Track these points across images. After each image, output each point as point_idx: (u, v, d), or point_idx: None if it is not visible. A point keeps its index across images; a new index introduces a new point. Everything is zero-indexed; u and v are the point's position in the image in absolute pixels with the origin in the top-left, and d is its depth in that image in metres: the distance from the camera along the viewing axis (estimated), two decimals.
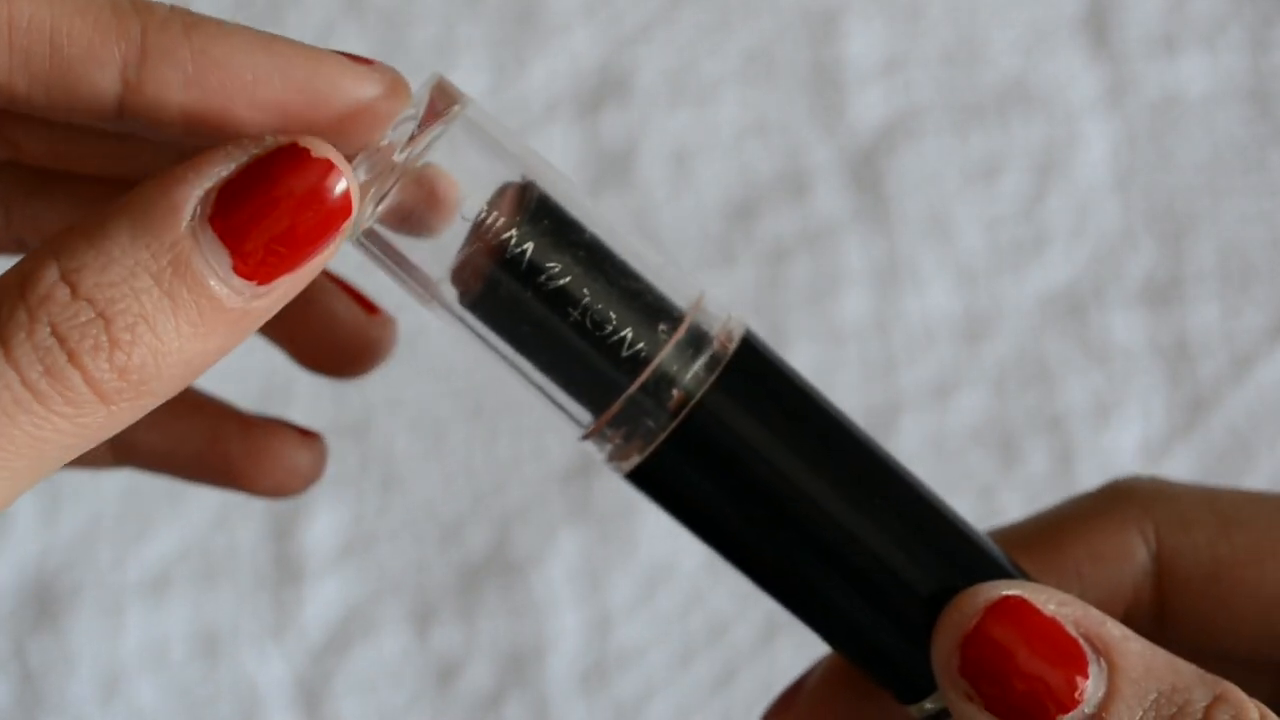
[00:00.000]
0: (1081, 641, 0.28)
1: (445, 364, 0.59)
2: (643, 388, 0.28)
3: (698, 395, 0.29)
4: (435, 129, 0.28)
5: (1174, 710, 0.28)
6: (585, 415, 0.29)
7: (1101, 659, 0.28)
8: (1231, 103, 0.63)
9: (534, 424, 0.59)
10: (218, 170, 0.26)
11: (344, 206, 0.27)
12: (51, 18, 0.28)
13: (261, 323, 0.27)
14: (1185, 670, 0.28)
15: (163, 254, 0.26)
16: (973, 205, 0.62)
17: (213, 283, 0.26)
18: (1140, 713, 0.28)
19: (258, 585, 0.57)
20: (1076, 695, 0.28)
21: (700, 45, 0.64)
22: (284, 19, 0.64)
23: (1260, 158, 0.62)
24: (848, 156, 0.62)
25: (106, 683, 0.57)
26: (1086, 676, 0.28)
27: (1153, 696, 0.28)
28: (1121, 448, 0.59)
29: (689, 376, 0.29)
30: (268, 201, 0.26)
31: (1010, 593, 0.29)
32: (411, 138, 0.29)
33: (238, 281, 0.26)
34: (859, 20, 0.64)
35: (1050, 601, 0.29)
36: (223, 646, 0.57)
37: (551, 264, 0.28)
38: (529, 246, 0.28)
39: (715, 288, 0.61)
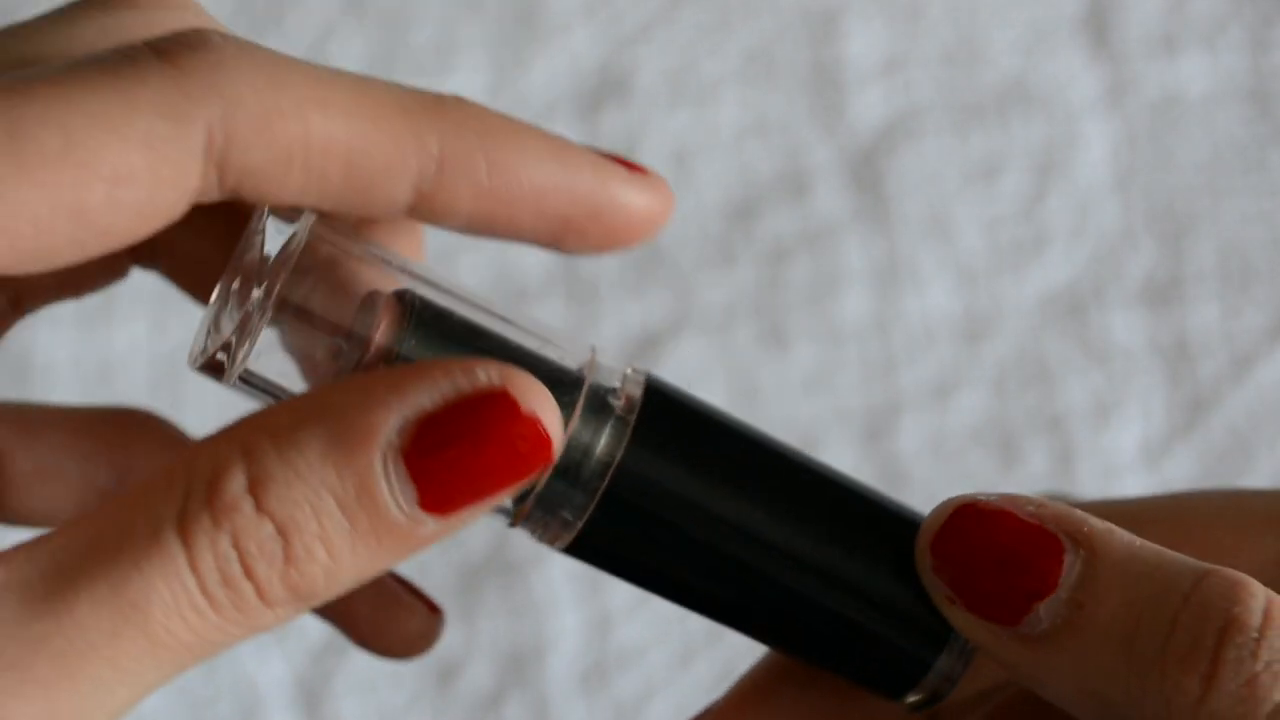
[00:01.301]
0: (1060, 535, 0.28)
1: None
2: (558, 469, 0.28)
3: (616, 460, 0.28)
4: (285, 253, 0.27)
5: (1158, 586, 0.27)
6: (506, 504, 0.29)
7: (1080, 548, 0.28)
8: (1231, 103, 0.63)
9: None
10: (421, 399, 0.26)
11: (542, 457, 0.26)
12: (348, 136, 0.27)
13: (425, 547, 0.27)
14: (1172, 555, 0.28)
15: (350, 479, 0.26)
16: (973, 205, 0.62)
17: (394, 513, 0.26)
18: (1120, 593, 0.27)
19: None
20: (1052, 579, 0.27)
21: (700, 45, 0.64)
22: (284, 19, 0.64)
23: (1260, 158, 0.62)
24: (848, 156, 0.62)
25: None
26: (1061, 563, 0.27)
27: (1134, 576, 0.27)
28: (1121, 448, 0.59)
29: (602, 444, 0.28)
30: (466, 449, 0.26)
31: (973, 498, 0.29)
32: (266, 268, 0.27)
33: (420, 514, 0.26)
34: (859, 20, 0.64)
35: (1029, 504, 0.28)
36: None
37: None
38: (413, 354, 0.27)
39: (715, 288, 0.61)
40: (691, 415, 0.30)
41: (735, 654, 0.57)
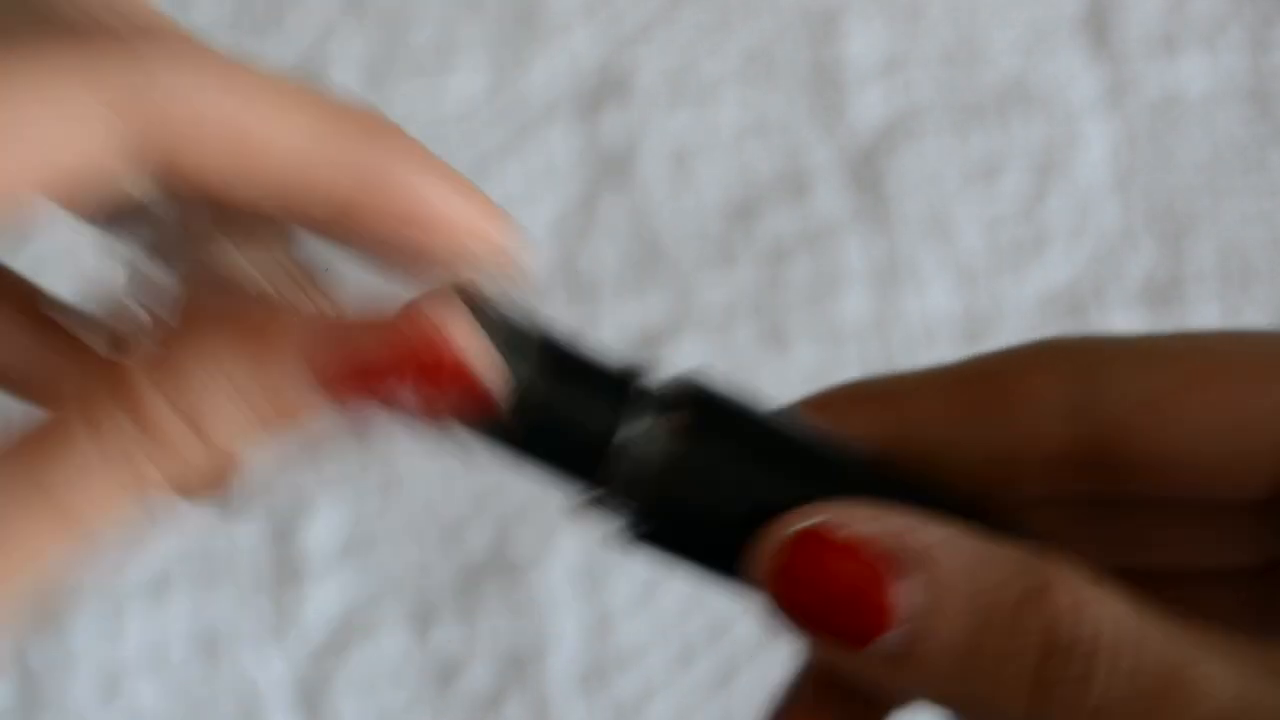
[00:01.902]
0: (898, 554, 0.28)
1: None
2: (618, 472, 0.29)
3: (674, 456, 0.29)
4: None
5: (988, 610, 0.27)
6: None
7: (921, 570, 0.27)
8: (1231, 103, 0.63)
9: None
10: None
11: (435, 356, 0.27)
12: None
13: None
14: (1004, 563, 0.28)
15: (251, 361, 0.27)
16: (973, 205, 0.62)
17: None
18: (956, 618, 0.27)
19: (258, 585, 0.57)
20: (887, 615, 0.27)
21: (700, 45, 0.64)
22: (284, 19, 0.64)
23: (1260, 158, 0.62)
24: (848, 156, 0.62)
25: (107, 683, 0.57)
26: (892, 594, 0.27)
27: (967, 598, 0.27)
28: None
29: (659, 444, 0.29)
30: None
31: (807, 524, 0.28)
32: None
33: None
34: (859, 20, 0.64)
35: (853, 519, 0.28)
36: (223, 647, 0.57)
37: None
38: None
39: (715, 288, 0.61)
40: (741, 415, 0.31)
41: (735, 654, 0.57)
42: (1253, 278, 0.61)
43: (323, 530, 0.58)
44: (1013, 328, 0.60)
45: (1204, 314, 0.60)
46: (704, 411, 0.30)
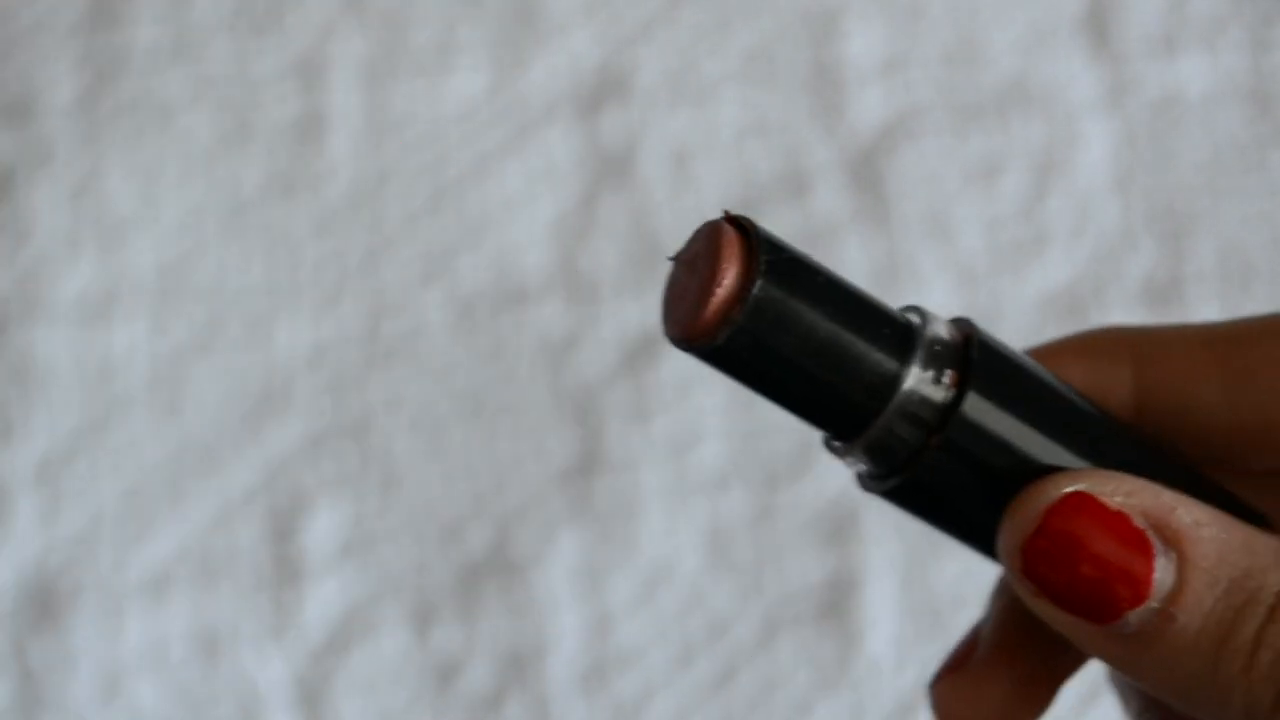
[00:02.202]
0: (1149, 532, 0.27)
1: (445, 364, 0.59)
2: (901, 412, 0.28)
3: (954, 408, 0.29)
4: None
5: (1245, 597, 0.27)
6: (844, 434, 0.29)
7: (1171, 549, 0.27)
8: (1231, 103, 0.63)
9: (534, 424, 0.59)
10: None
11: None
12: None
13: None
14: (1262, 550, 0.27)
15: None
16: (973, 205, 0.62)
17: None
18: (1211, 603, 0.27)
19: (258, 585, 0.57)
20: (1144, 590, 0.27)
21: (700, 45, 0.64)
22: (284, 19, 0.64)
23: (1260, 158, 0.62)
24: (848, 156, 0.62)
25: (107, 683, 0.57)
26: (1154, 570, 0.27)
27: (1224, 585, 0.27)
28: None
29: (941, 394, 0.29)
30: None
31: (1073, 488, 0.28)
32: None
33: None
34: (859, 20, 0.64)
35: (1117, 492, 0.28)
36: (223, 647, 0.57)
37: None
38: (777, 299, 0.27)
39: None
40: (1016, 366, 0.30)
41: (735, 654, 0.57)
42: (1253, 278, 0.61)
43: (323, 530, 0.58)
44: (1013, 328, 0.60)
45: (1204, 314, 0.60)
46: (982, 368, 0.29)
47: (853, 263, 0.61)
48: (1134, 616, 0.27)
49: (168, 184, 0.62)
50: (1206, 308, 0.60)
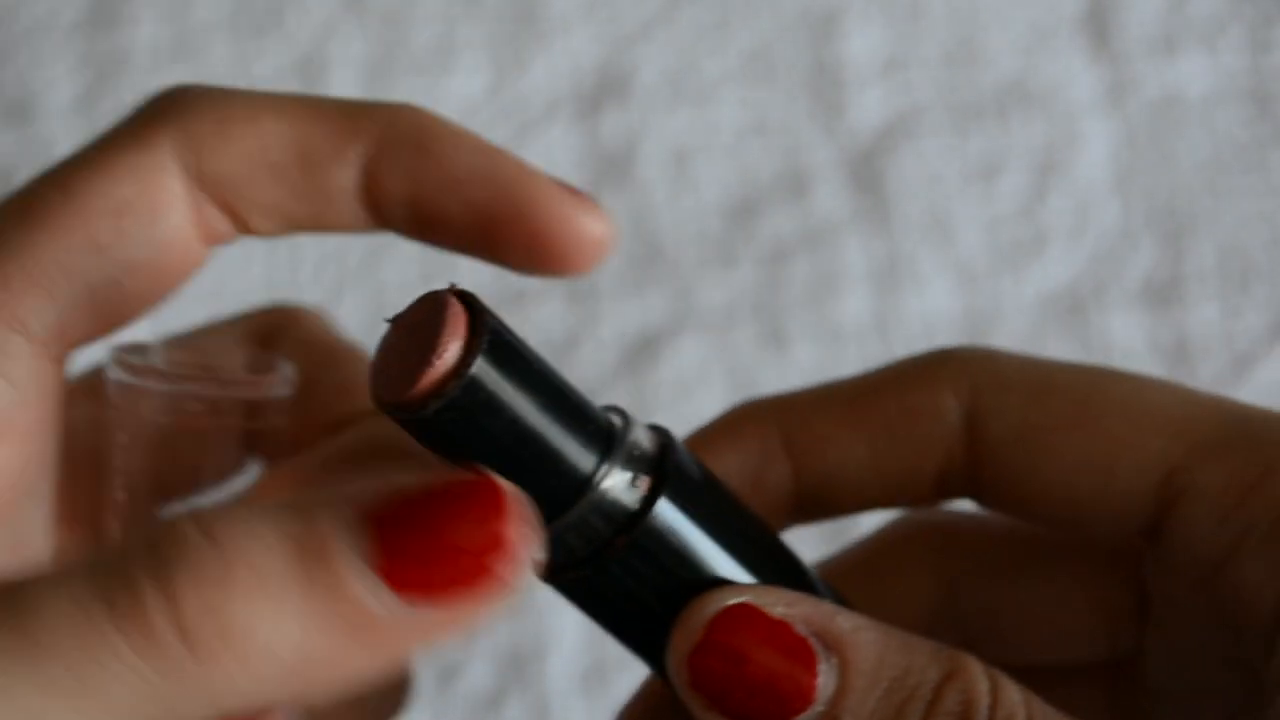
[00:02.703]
0: (811, 639, 0.28)
1: None
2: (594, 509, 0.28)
3: (641, 514, 0.28)
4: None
5: (905, 695, 0.28)
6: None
7: (833, 654, 0.28)
8: (1231, 103, 0.63)
9: None
10: (403, 477, 0.25)
11: (496, 542, 0.24)
12: (296, 131, 0.30)
13: (401, 654, 0.24)
14: (919, 650, 0.28)
15: (310, 523, 0.24)
16: (973, 205, 0.62)
17: (341, 560, 0.23)
18: (873, 703, 0.28)
19: None
20: (808, 694, 0.28)
21: (700, 45, 0.64)
22: (284, 19, 0.64)
23: (1260, 158, 0.62)
24: (848, 156, 0.62)
25: None
26: (817, 675, 0.28)
27: (884, 685, 0.28)
28: None
29: (632, 498, 0.28)
30: (426, 509, 0.24)
31: (736, 600, 0.29)
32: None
33: (370, 576, 0.24)
34: (859, 20, 0.64)
35: (778, 603, 0.29)
36: None
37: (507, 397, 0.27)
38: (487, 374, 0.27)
39: (715, 288, 0.61)
40: (707, 483, 0.30)
41: None
42: (1253, 278, 0.61)
43: None
44: (1013, 328, 0.60)
45: (1204, 314, 0.60)
46: (674, 477, 0.29)
47: (853, 263, 0.61)
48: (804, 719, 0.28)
49: None
50: (1206, 307, 0.60)
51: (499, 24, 0.64)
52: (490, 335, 0.27)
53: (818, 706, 0.28)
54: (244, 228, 0.32)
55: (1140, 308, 0.61)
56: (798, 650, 0.28)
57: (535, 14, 0.64)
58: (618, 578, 0.29)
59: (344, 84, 0.63)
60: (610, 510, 0.28)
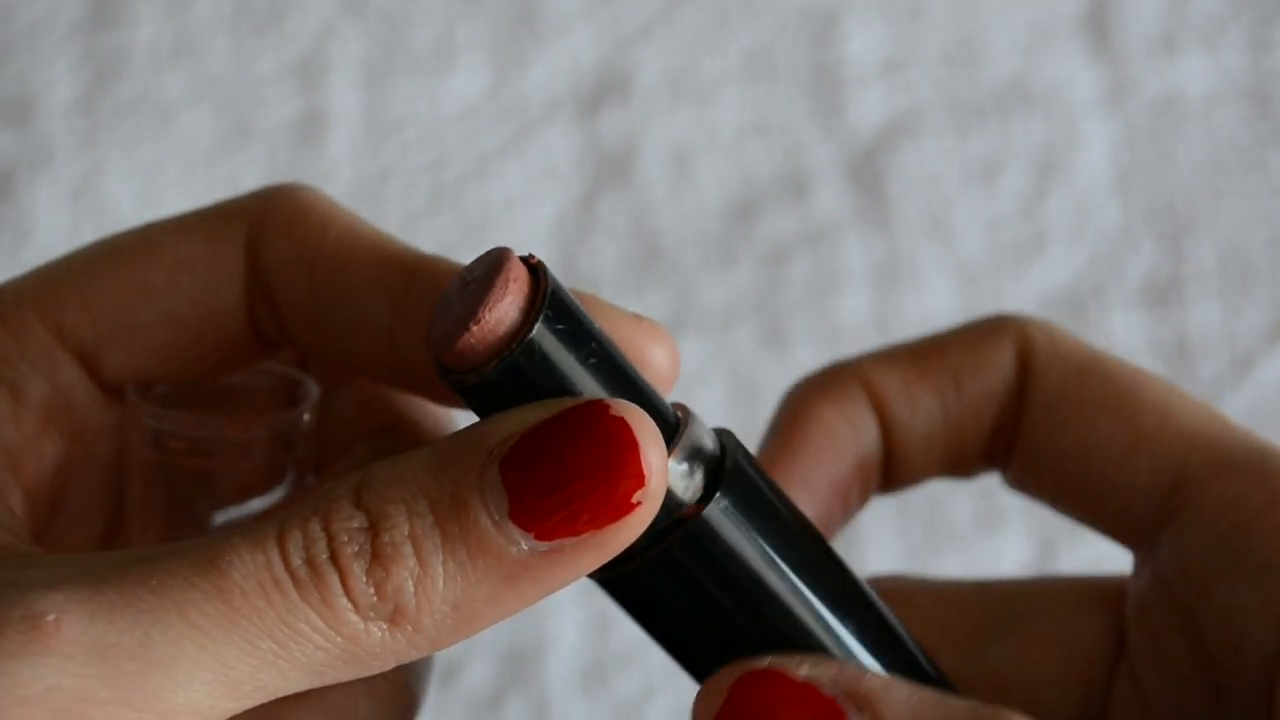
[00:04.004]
0: (840, 699, 0.28)
1: None
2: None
3: (694, 513, 0.28)
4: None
5: None
6: None
7: (864, 713, 0.28)
8: (1231, 103, 0.63)
9: None
10: (529, 415, 0.26)
11: (635, 475, 0.25)
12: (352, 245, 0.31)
13: (547, 590, 0.26)
14: (955, 706, 0.28)
15: (446, 483, 0.25)
16: (973, 205, 0.62)
17: (484, 521, 0.25)
18: None
19: None
20: None
21: (700, 45, 0.64)
22: (284, 19, 0.64)
23: (1260, 158, 0.62)
24: (848, 156, 0.62)
25: None
26: None
27: None
28: None
29: (688, 491, 0.28)
30: (558, 453, 0.25)
31: (759, 665, 0.28)
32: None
33: (511, 528, 0.25)
34: (859, 20, 0.64)
35: (802, 666, 0.28)
36: None
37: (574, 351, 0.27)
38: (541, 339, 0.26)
39: (715, 288, 0.61)
40: (764, 486, 0.30)
41: None
42: (1253, 278, 0.61)
43: None
44: None
45: (1204, 314, 0.60)
46: (735, 480, 0.28)
47: (853, 263, 0.61)
48: None
49: (168, 184, 0.62)
50: (1207, 307, 0.60)
51: (499, 24, 0.64)
52: (553, 300, 0.26)
53: None
54: (282, 337, 0.32)
55: (1140, 308, 0.60)
56: (826, 711, 0.28)
57: (535, 14, 0.64)
58: (665, 576, 0.28)
59: (344, 84, 0.63)
60: (666, 502, 0.27)
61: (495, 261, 0.26)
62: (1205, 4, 0.64)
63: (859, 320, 0.60)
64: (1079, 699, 0.34)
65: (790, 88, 0.63)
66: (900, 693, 0.28)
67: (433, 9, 0.64)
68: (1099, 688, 0.34)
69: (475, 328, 0.26)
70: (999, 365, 0.34)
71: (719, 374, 0.59)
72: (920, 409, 0.34)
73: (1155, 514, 0.32)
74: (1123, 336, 0.60)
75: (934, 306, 0.60)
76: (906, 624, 0.32)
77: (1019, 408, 0.34)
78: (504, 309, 0.26)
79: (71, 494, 0.32)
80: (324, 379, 0.34)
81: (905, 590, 0.36)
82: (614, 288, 0.61)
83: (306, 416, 0.33)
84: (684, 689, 0.60)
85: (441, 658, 0.57)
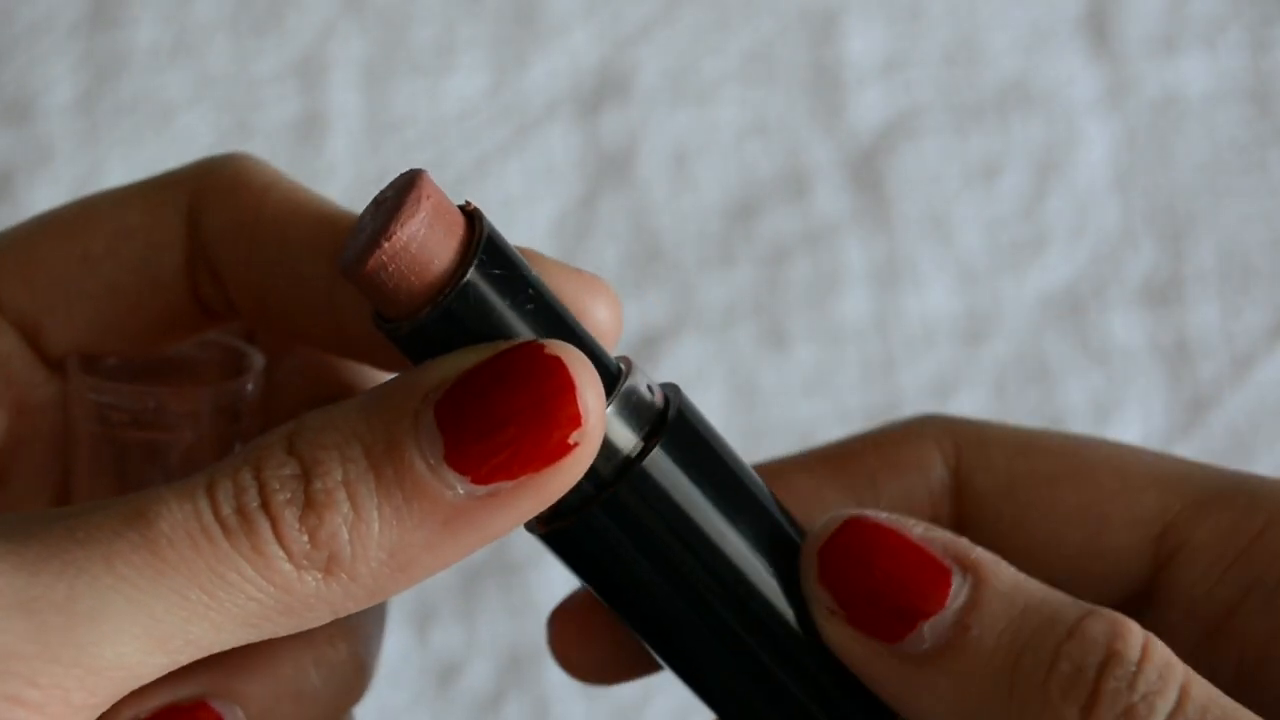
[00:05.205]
0: (947, 560, 0.28)
1: None
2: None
3: (636, 462, 0.27)
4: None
5: (1043, 619, 0.27)
6: None
7: (968, 574, 0.28)
8: (1231, 103, 0.63)
9: None
10: (464, 360, 0.25)
11: (571, 417, 0.25)
12: (292, 206, 0.31)
13: (486, 537, 0.26)
14: (1057, 593, 0.28)
15: (379, 427, 0.25)
16: (973, 205, 0.62)
17: (419, 465, 0.25)
18: (1007, 620, 0.27)
19: None
20: (941, 597, 0.27)
21: (700, 45, 0.64)
22: (284, 19, 0.64)
23: (1260, 158, 0.62)
24: (848, 156, 0.62)
25: None
26: (950, 584, 0.27)
27: (1020, 607, 0.27)
28: None
29: (627, 444, 0.27)
30: (494, 395, 0.25)
31: (877, 515, 0.28)
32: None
33: (447, 472, 0.25)
34: (859, 20, 0.64)
35: (918, 526, 0.28)
36: None
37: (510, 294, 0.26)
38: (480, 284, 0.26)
39: (715, 288, 0.61)
40: (707, 439, 0.29)
41: None
42: (1253, 278, 0.61)
43: None
44: (1012, 328, 0.60)
45: (1204, 314, 0.60)
46: (676, 430, 0.28)
47: (853, 263, 0.61)
48: (929, 630, 0.27)
49: None
50: (1206, 308, 0.60)
51: (499, 24, 0.64)
52: (489, 245, 0.26)
53: (948, 614, 0.27)
54: (227, 306, 0.32)
55: (1140, 308, 0.60)
56: (932, 562, 0.28)
57: (535, 14, 0.64)
58: (607, 529, 0.28)
59: (344, 84, 0.63)
60: (604, 453, 0.27)
61: (407, 182, 0.26)
62: (1205, 4, 0.64)
63: (859, 320, 0.60)
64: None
65: (790, 88, 0.63)
66: (1007, 570, 0.28)
67: (433, 9, 0.64)
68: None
69: (386, 244, 0.25)
70: (919, 463, 0.33)
71: (719, 374, 0.59)
72: (829, 508, 0.33)
73: (1148, 565, 0.31)
74: (1123, 336, 0.60)
75: (934, 306, 0.60)
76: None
77: (960, 503, 0.33)
78: (415, 226, 0.25)
79: (15, 469, 0.32)
80: (269, 349, 0.33)
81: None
82: (614, 287, 0.60)
83: (251, 386, 0.32)
84: (684, 689, 0.60)
85: (441, 658, 0.57)
